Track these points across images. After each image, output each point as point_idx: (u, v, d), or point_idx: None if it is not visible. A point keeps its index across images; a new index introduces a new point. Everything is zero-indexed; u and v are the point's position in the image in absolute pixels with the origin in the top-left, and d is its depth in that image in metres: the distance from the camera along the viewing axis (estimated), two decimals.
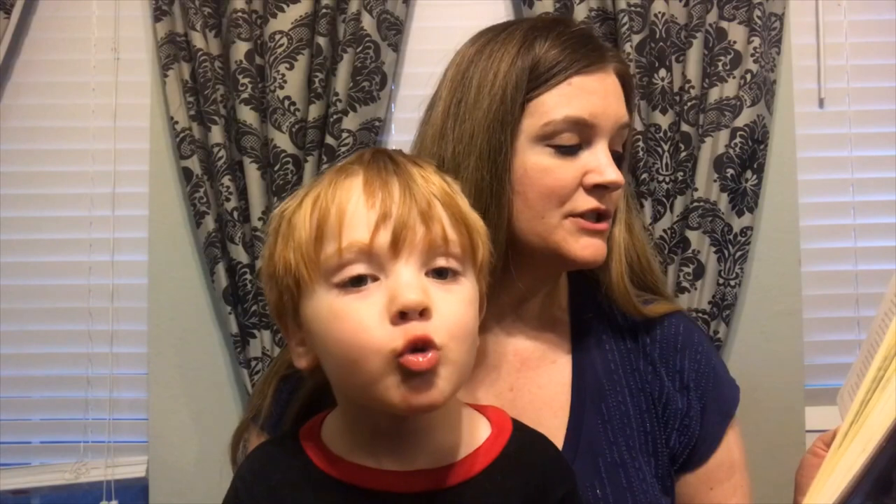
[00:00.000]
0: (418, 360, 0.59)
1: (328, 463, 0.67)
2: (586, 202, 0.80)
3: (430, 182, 0.65)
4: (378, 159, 0.66)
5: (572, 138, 0.79)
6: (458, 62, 0.84)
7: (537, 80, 0.79)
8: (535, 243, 0.81)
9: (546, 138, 0.79)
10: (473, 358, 0.65)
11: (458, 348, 0.62)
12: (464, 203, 0.67)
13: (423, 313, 0.60)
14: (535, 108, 0.79)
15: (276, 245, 0.66)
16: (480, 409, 0.72)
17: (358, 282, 0.61)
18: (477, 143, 0.78)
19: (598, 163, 0.79)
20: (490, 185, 0.77)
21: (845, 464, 0.64)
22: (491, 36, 0.83)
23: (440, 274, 0.63)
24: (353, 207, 0.62)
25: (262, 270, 0.69)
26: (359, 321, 0.60)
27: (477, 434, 0.69)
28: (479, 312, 0.68)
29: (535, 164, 0.79)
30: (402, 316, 0.60)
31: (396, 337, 0.59)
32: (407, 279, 0.60)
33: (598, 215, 0.81)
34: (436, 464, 0.65)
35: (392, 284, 0.60)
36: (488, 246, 0.68)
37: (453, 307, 0.62)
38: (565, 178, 0.79)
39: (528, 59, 0.79)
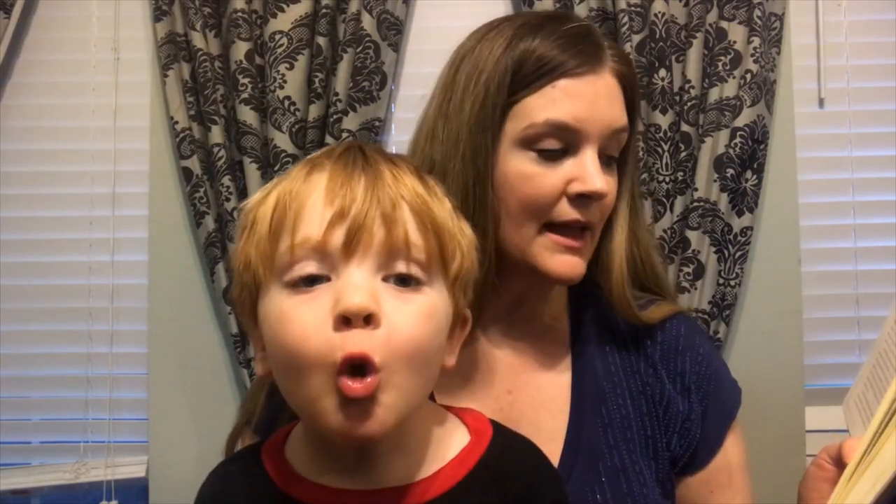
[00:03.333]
0: (353, 386, 0.54)
1: (289, 482, 0.62)
2: (567, 213, 0.76)
3: (402, 183, 0.59)
4: (349, 154, 0.61)
5: (555, 143, 0.75)
6: (453, 60, 0.81)
7: (521, 82, 0.75)
8: (514, 254, 0.78)
9: (528, 142, 0.75)
10: (429, 380, 0.60)
11: (405, 370, 0.56)
12: (441, 209, 0.61)
13: (369, 320, 0.55)
14: (518, 110, 0.76)
15: (241, 240, 0.62)
16: (458, 413, 0.67)
17: (310, 282, 0.57)
18: (461, 146, 0.75)
19: (583, 171, 0.75)
20: (473, 189, 0.74)
21: (858, 492, 0.63)
22: (484, 32, 0.80)
23: (402, 282, 0.57)
24: (311, 203, 0.58)
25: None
26: (301, 326, 0.55)
27: (452, 443, 0.64)
28: (463, 327, 0.64)
29: (516, 169, 0.76)
30: (345, 322, 0.54)
31: (336, 347, 0.54)
32: (355, 281, 0.55)
33: (581, 228, 0.78)
34: (406, 480, 0.60)
35: (339, 286, 0.56)
36: (471, 257, 0.63)
37: (407, 318, 0.56)
38: (545, 187, 0.75)
39: (511, 60, 0.75)
